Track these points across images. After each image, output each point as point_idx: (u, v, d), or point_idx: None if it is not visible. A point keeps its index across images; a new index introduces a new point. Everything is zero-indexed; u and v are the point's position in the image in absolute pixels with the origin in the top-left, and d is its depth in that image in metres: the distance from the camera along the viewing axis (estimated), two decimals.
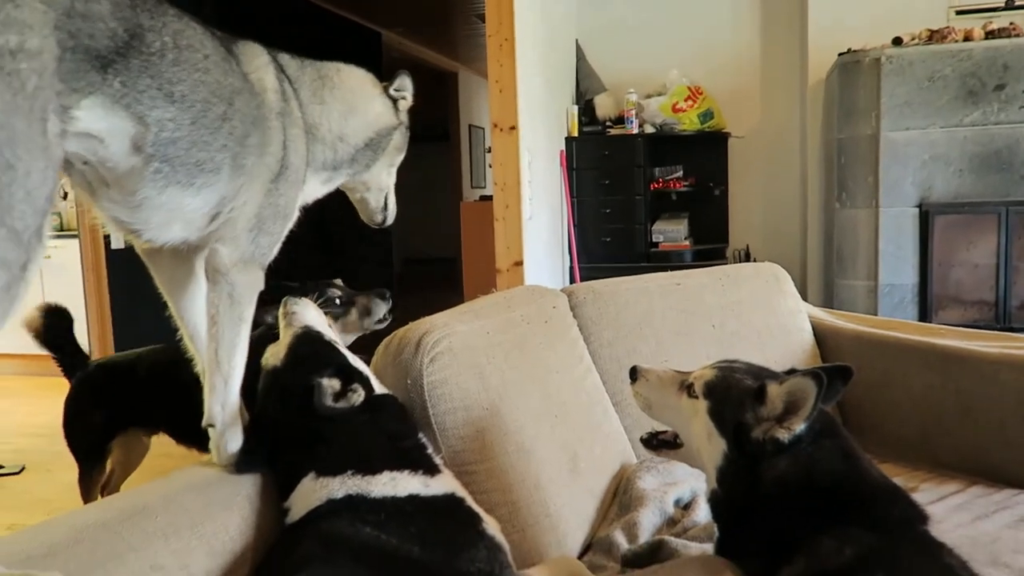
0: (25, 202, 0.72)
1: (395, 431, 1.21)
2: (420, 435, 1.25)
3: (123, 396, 2.21)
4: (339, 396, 1.16)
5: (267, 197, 1.11)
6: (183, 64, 0.95)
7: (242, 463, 1.16)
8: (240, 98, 1.04)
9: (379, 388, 1.27)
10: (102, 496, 2.31)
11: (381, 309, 1.80)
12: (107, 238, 4.24)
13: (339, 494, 1.09)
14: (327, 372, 1.18)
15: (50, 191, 0.76)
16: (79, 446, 2.26)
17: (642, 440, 1.35)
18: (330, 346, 1.26)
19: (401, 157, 1.39)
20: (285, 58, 1.19)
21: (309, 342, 1.24)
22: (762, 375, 1.19)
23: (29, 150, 0.73)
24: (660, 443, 1.32)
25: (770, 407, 1.13)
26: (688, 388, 1.22)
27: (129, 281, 4.38)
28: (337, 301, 1.89)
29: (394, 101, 1.35)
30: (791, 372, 1.18)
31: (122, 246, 4.60)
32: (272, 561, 1.06)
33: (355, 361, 1.27)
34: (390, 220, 1.41)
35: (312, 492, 1.10)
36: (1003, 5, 4.17)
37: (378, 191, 1.37)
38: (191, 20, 1.01)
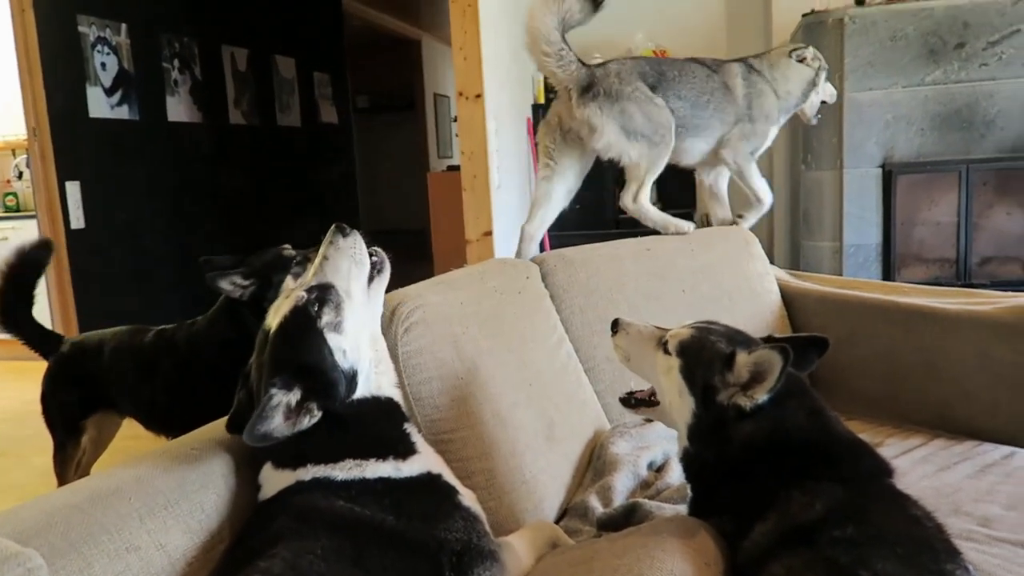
0: (661, 124, 2.07)
1: (362, 428, 1.13)
2: (403, 426, 1.18)
3: (92, 379, 2.18)
4: (291, 413, 1.05)
5: (746, 127, 2.26)
6: (683, 83, 2.16)
7: (229, 427, 1.17)
8: (718, 91, 2.21)
9: (371, 386, 1.15)
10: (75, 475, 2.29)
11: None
12: (66, 217, 4.14)
13: (306, 477, 1.08)
14: (292, 382, 1.05)
15: (667, 117, 2.09)
16: (54, 422, 2.25)
17: (621, 400, 1.37)
18: (318, 336, 1.09)
19: (820, 86, 2.39)
20: (756, 62, 2.31)
21: (300, 325, 1.10)
22: (736, 340, 1.20)
23: (656, 107, 2.08)
24: (638, 401, 1.33)
25: (737, 374, 1.14)
26: (664, 345, 1.24)
27: (89, 260, 4.29)
28: (296, 259, 1.89)
29: (801, 60, 2.33)
30: (768, 339, 1.20)
31: (82, 226, 4.50)
32: (247, 536, 1.05)
33: (353, 353, 1.12)
34: (814, 121, 2.49)
35: (277, 478, 1.09)
36: None
37: (810, 109, 2.41)
38: (689, 63, 2.22)
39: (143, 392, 2.13)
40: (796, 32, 4.25)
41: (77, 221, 4.19)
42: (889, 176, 3.86)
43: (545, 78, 4.86)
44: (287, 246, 1.95)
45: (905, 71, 3.78)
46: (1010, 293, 1.93)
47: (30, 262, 2.18)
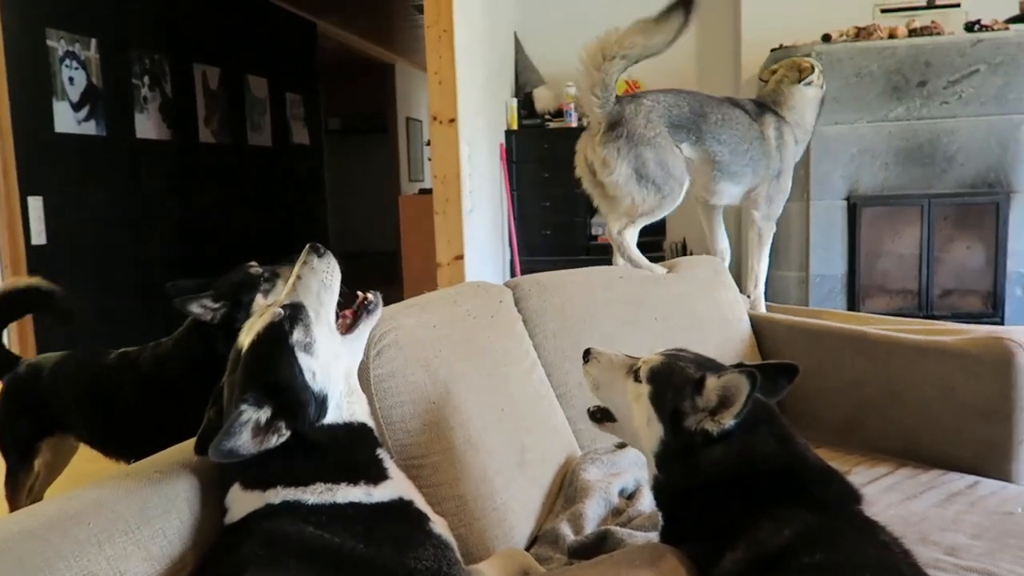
0: (672, 177, 2.18)
1: (334, 451, 1.11)
2: (376, 451, 1.17)
3: (47, 402, 2.12)
4: (260, 431, 1.04)
5: (772, 186, 2.40)
6: (725, 127, 2.23)
7: (197, 448, 1.13)
8: (756, 141, 2.30)
9: (343, 413, 1.13)
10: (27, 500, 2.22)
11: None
12: (27, 233, 4.05)
13: (276, 500, 1.05)
14: (262, 399, 1.04)
15: (682, 171, 2.20)
16: (6, 445, 2.18)
17: (589, 413, 1.36)
18: (289, 354, 1.08)
19: (824, 90, 2.58)
20: (779, 108, 2.40)
21: (272, 342, 1.09)
22: (705, 366, 1.21)
23: (674, 158, 2.20)
24: (604, 416, 1.33)
25: (705, 398, 1.15)
26: (635, 373, 1.24)
27: (50, 277, 4.18)
28: (263, 275, 1.86)
29: (809, 84, 2.43)
30: (738, 366, 1.20)
31: (44, 242, 4.40)
32: (213, 562, 1.02)
33: (323, 377, 1.10)
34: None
35: (246, 500, 1.06)
36: (925, 4, 4.34)
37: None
38: (732, 105, 2.31)
39: (102, 415, 2.08)
40: (764, 67, 4.35)
41: (38, 237, 4.10)
42: (854, 208, 3.95)
43: (519, 105, 4.94)
44: (253, 263, 1.92)
45: (870, 107, 3.88)
46: (972, 326, 1.98)
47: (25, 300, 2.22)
